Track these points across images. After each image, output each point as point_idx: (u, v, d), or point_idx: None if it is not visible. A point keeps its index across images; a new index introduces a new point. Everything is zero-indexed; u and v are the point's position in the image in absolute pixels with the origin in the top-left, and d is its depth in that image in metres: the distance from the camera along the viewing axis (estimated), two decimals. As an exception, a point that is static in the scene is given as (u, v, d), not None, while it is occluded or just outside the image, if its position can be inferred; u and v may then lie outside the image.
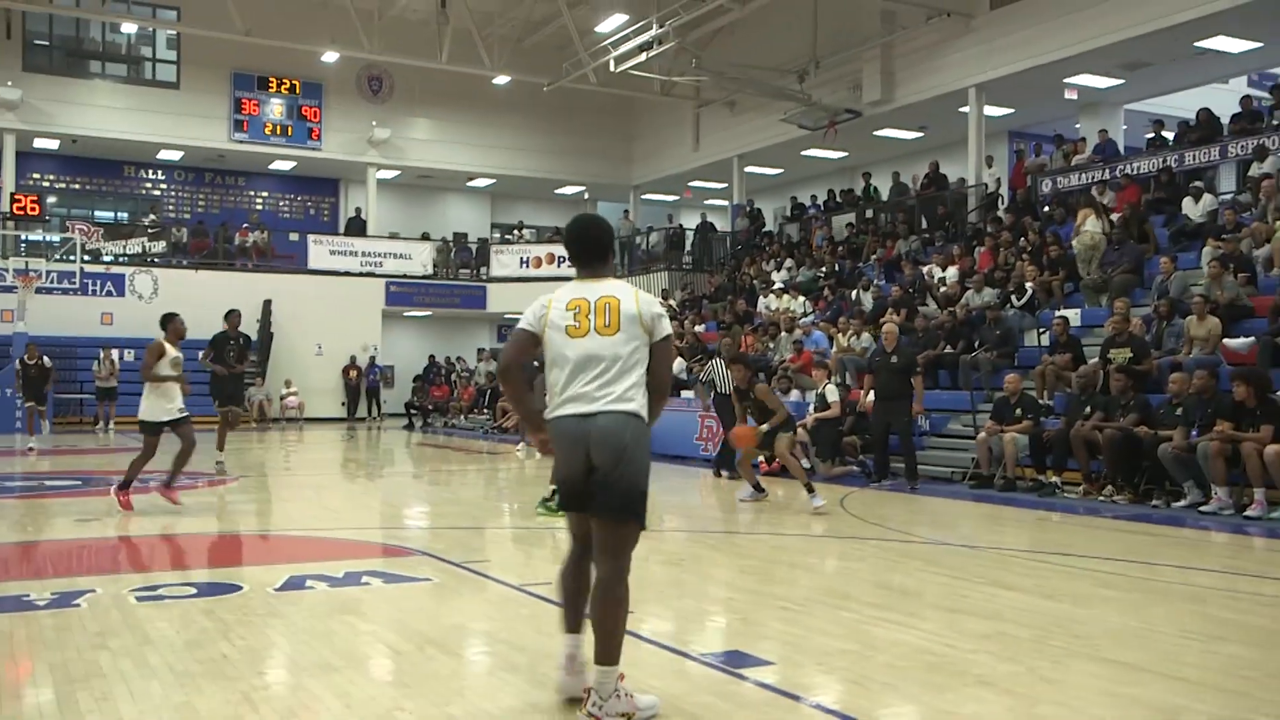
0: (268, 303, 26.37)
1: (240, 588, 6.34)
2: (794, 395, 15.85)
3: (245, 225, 28.84)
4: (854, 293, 19.38)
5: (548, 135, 30.99)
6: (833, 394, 14.55)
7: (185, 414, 10.04)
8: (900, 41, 22.32)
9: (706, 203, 33.46)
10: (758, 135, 26.48)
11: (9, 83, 25.67)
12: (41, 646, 4.97)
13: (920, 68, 22.10)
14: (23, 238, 24.54)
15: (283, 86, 28.74)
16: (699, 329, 21.45)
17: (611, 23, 25.00)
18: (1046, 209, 19.07)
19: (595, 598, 3.97)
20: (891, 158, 25.89)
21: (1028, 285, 15.85)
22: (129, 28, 27.63)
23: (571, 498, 4.11)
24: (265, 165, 30.45)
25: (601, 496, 3.95)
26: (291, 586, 6.41)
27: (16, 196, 24.95)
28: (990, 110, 21.89)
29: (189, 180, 30.71)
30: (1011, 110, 23.03)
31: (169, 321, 10.23)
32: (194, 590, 6.25)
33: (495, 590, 6.52)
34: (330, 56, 26.99)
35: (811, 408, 14.83)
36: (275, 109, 28.79)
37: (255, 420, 25.37)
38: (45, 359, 20.58)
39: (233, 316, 14.09)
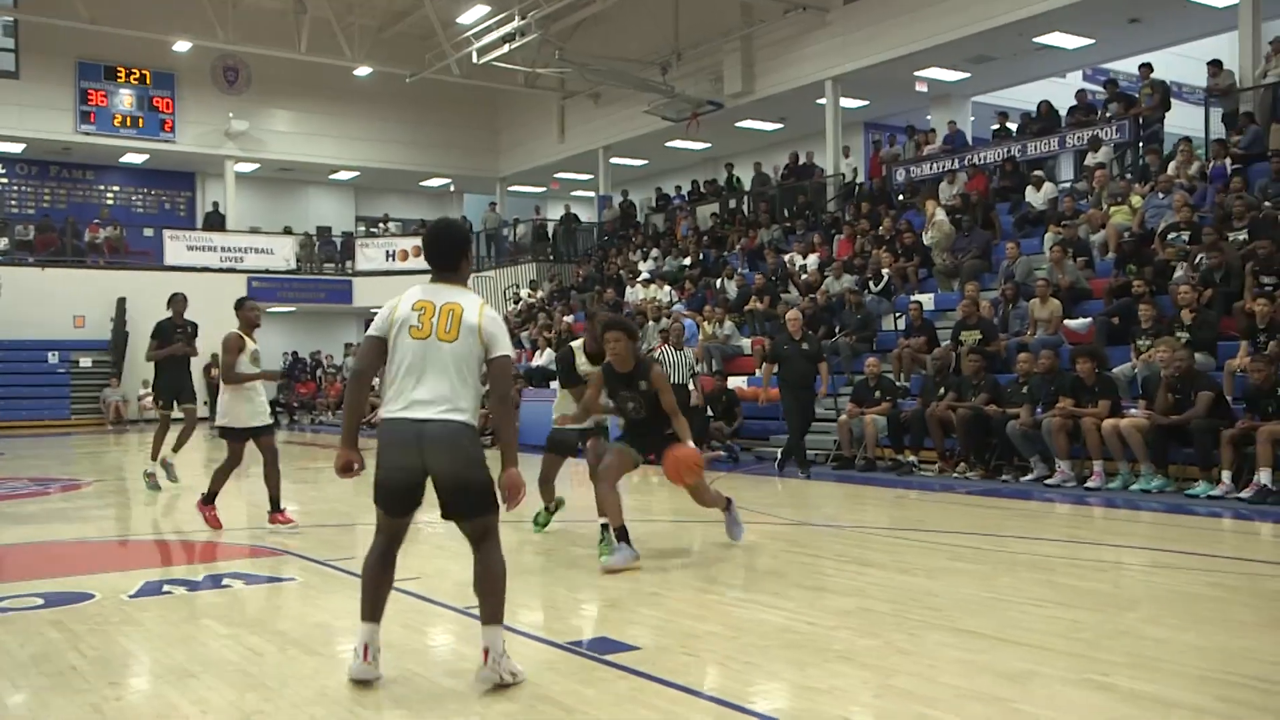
0: (122, 301, 25.31)
1: (92, 595, 6.06)
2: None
3: (96, 221, 27.61)
4: (719, 281, 19.60)
5: (412, 127, 30.51)
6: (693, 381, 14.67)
7: (270, 422, 9.06)
8: (759, 34, 22.63)
9: (574, 194, 33.42)
10: (622, 127, 26.54)
11: None
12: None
13: (779, 60, 22.45)
14: None
15: (132, 77, 27.59)
16: (568, 319, 21.41)
17: (473, 14, 24.71)
18: (900, 197, 19.62)
19: (480, 573, 4.25)
20: (753, 149, 26.27)
21: (884, 272, 16.28)
22: (-38, 14, 26.17)
23: (396, 499, 4.28)
24: (116, 158, 29.22)
25: (457, 501, 4.20)
26: (147, 592, 6.17)
27: None
28: (846, 102, 22.39)
29: (32, 174, 29.28)
30: (866, 102, 23.60)
31: (240, 309, 8.91)
32: (40, 601, 5.95)
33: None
34: (182, 46, 25.99)
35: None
36: (125, 100, 27.62)
37: (111, 422, 24.38)
38: None
39: (177, 301, 12.46)
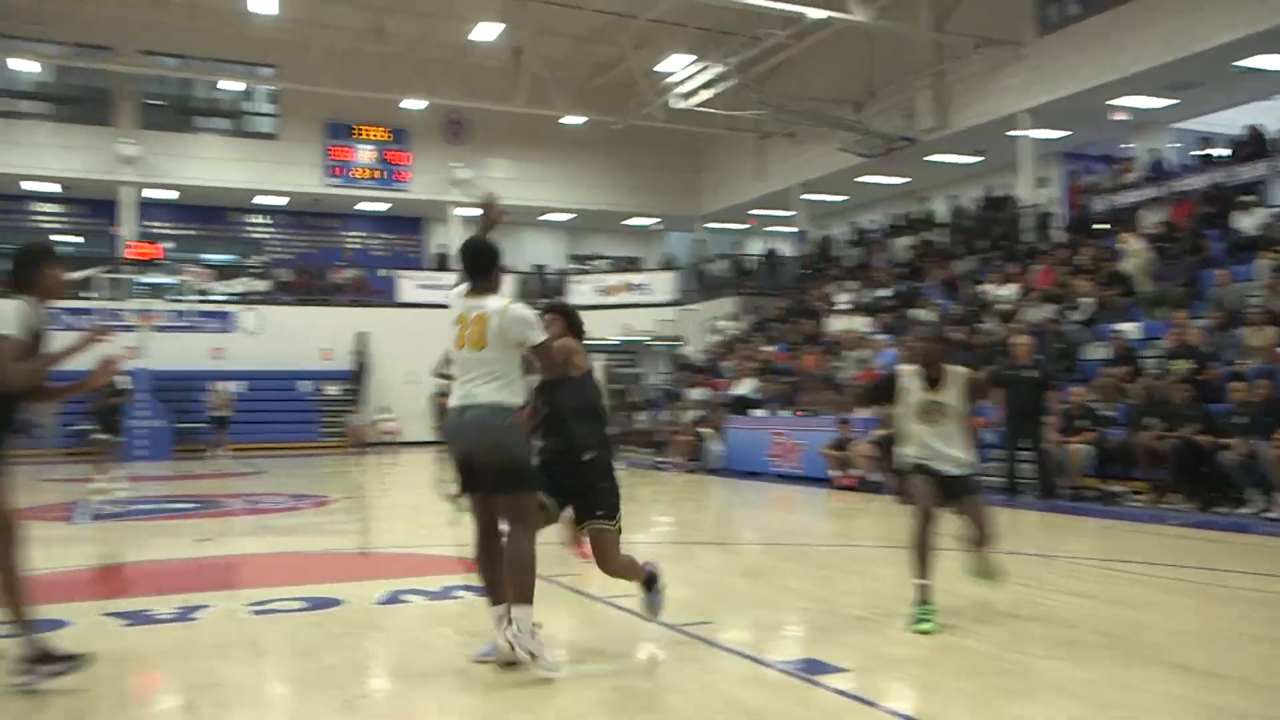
0: (362, 335, 26.84)
1: (343, 602, 6.41)
2: (861, 412, 15.66)
3: (340, 263, 29.40)
4: (915, 312, 19.14)
5: (618, 170, 31.18)
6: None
7: None
8: (952, 70, 22.07)
9: (772, 229, 33.36)
10: (818, 164, 26.34)
11: (130, 140, 26.54)
12: (165, 657, 5.08)
13: (972, 94, 21.83)
14: (137, 281, 25.29)
15: (371, 134, 29.32)
16: (769, 348, 21.37)
17: (674, 63, 25.13)
18: (1101, 226, 18.69)
19: (507, 556, 4.62)
20: (948, 181, 25.59)
21: (1085, 300, 15.53)
22: (232, 85, 28.40)
23: (463, 477, 4.75)
24: (356, 207, 31.04)
25: (487, 476, 4.61)
26: (391, 601, 6.48)
27: (135, 244, 25.81)
28: (1042, 133, 21.53)
29: (288, 223, 31.41)
30: (1064, 133, 22.63)
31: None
32: (302, 604, 6.34)
33: (583, 603, 6.53)
34: (414, 104, 27.50)
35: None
36: (365, 155, 29.37)
37: (353, 445, 25.77)
38: (119, 382, 16.00)
39: None
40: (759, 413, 18.23)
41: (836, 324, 20.73)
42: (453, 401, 4.75)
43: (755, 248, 31.28)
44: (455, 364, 4.79)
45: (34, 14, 24.07)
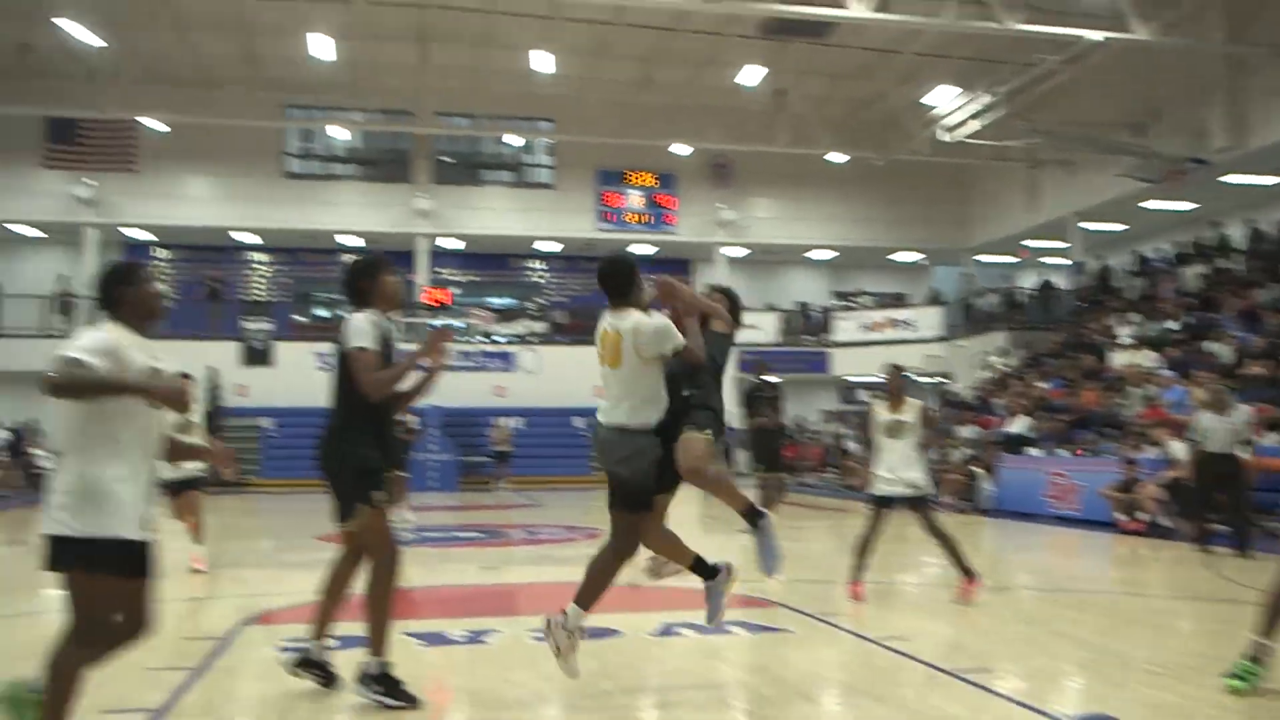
0: (632, 373, 27.63)
1: (619, 632, 6.63)
2: (1148, 451, 14.65)
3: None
4: (1209, 345, 17.69)
5: (882, 205, 30.71)
6: (1179, 451, 13.29)
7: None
8: (1251, 84, 20.33)
9: (1047, 262, 31.82)
10: (1096, 192, 24.90)
11: (423, 195, 28.77)
12: (458, 676, 5.44)
13: (1276, 109, 20.01)
14: (431, 324, 27.23)
15: (641, 179, 30.34)
16: (1044, 385, 20.35)
17: (941, 95, 24.56)
18: None
19: (599, 557, 5.00)
20: (1245, 204, 23.51)
21: None
22: (514, 140, 30.20)
23: (609, 491, 5.00)
24: (627, 250, 32.13)
25: (612, 491, 4.91)
26: (665, 633, 6.63)
27: (428, 290, 27.88)
28: (1359, 147, 19.45)
29: (564, 267, 32.91)
30: (1384, 145, 20.35)
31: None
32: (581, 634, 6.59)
33: (850, 642, 6.45)
34: (681, 149, 28.26)
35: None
36: (635, 199, 30.41)
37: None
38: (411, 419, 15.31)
39: (759, 366, 12.22)
40: (1034, 451, 17.39)
41: (1120, 359, 19.48)
42: (597, 415, 4.95)
43: (1027, 280, 29.89)
44: (602, 380, 4.98)
45: (345, 86, 26.62)
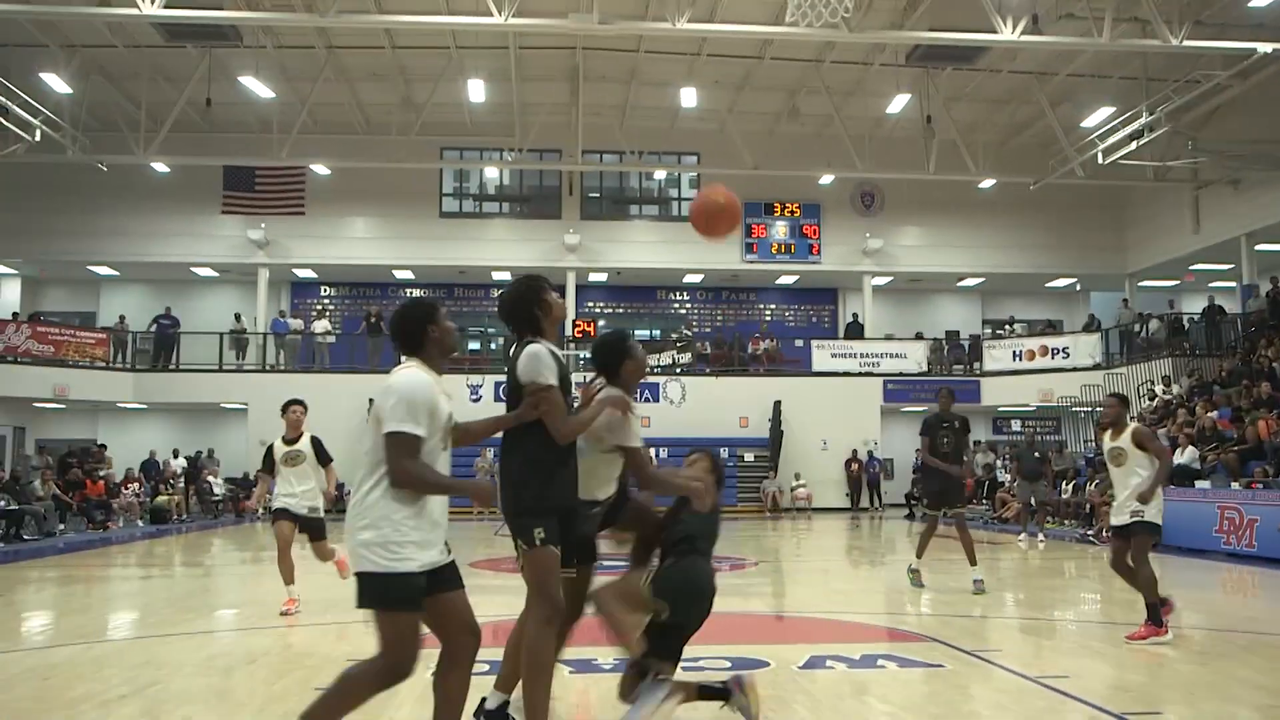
0: (778, 404, 27.46)
1: (768, 664, 6.56)
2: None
3: (756, 335, 30.40)
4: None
5: (1035, 231, 29.77)
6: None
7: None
8: None
9: (1212, 285, 30.22)
10: (1268, 211, 23.55)
11: (571, 230, 29.36)
12: (603, 705, 5.47)
13: None
14: (581, 356, 27.65)
15: (786, 210, 30.21)
16: (1213, 415, 19.25)
17: (1098, 116, 23.73)
18: None
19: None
20: None
21: None
22: (660, 175, 30.55)
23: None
24: (772, 281, 31.99)
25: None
26: (813, 665, 6.54)
27: (577, 322, 28.38)
28: None
29: (708, 299, 33.01)
30: None
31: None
32: (728, 664, 6.56)
33: (1007, 680, 6.21)
34: (827, 179, 28.06)
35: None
36: (780, 230, 30.30)
37: (769, 510, 26.29)
38: None
39: (943, 397, 11.03)
40: (1203, 484, 16.46)
41: (1297, 387, 18.29)
42: None
43: (1193, 305, 28.42)
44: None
45: (497, 127, 27.49)
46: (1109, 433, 8.00)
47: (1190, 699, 5.73)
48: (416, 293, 32.27)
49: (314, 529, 9.09)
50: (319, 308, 30.28)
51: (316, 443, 9.25)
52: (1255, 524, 14.17)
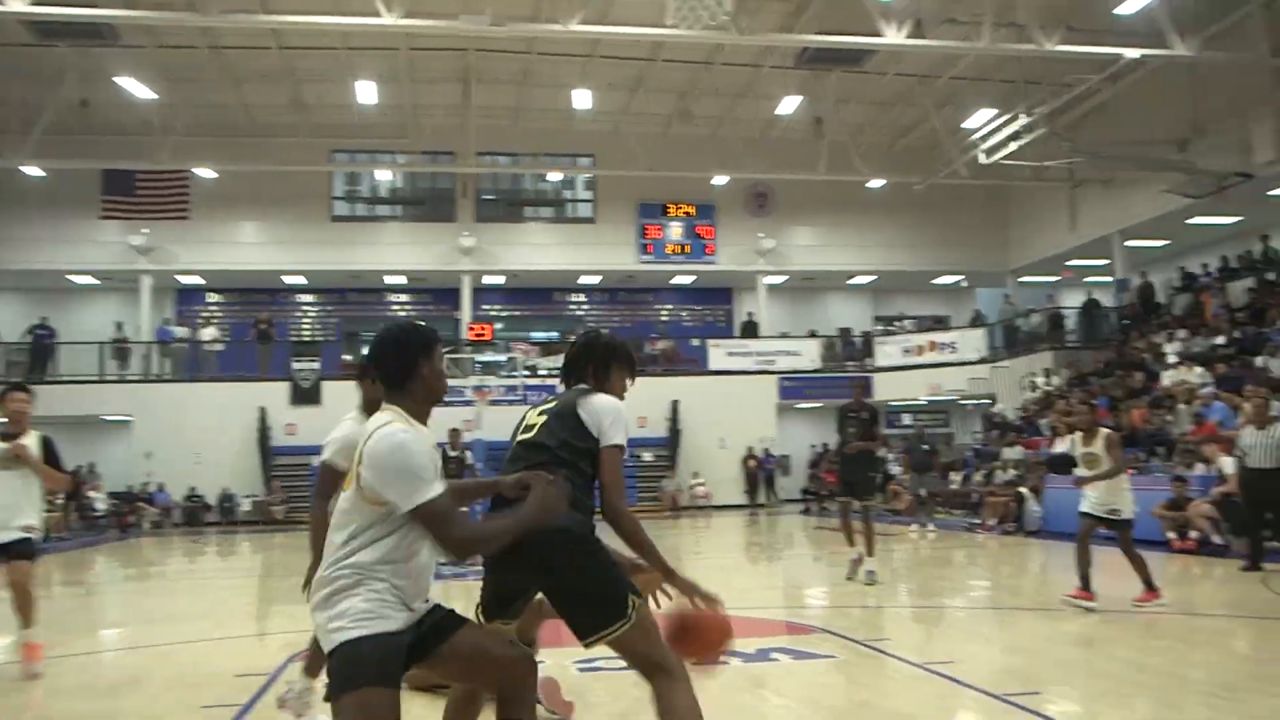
0: (675, 403, 27.64)
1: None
2: (1199, 469, 14.36)
3: (654, 335, 30.54)
4: (1259, 359, 17.34)
5: (923, 229, 30.54)
6: (1229, 467, 13.03)
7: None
8: (1292, 97, 20.05)
9: (1088, 280, 31.43)
10: (1138, 209, 24.60)
11: (466, 233, 29.06)
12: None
13: (1319, 121, 19.69)
14: (477, 360, 27.39)
15: (680, 211, 30.41)
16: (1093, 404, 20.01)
17: (979, 118, 24.46)
18: None
19: None
20: (1292, 217, 23.11)
21: None
22: (555, 176, 30.46)
23: None
24: (667, 281, 32.17)
25: None
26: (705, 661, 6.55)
27: (472, 326, 28.10)
28: (1406, 156, 19.04)
29: (605, 300, 33.04)
30: None
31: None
32: (624, 665, 6.54)
33: (898, 668, 6.34)
34: (720, 180, 28.34)
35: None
36: (675, 231, 30.48)
37: (668, 509, 26.42)
38: (468, 453, 14.54)
39: (855, 390, 11.33)
40: (1081, 471, 17.07)
41: (1167, 376, 19.14)
42: None
43: (1072, 299, 29.52)
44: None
45: (388, 129, 27.03)
46: (1081, 437, 8.71)
47: (1071, 679, 5.93)
48: (308, 299, 31.59)
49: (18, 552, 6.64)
50: (205, 315, 29.40)
51: (48, 444, 6.81)
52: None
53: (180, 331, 28.15)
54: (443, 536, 3.13)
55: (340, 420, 5.02)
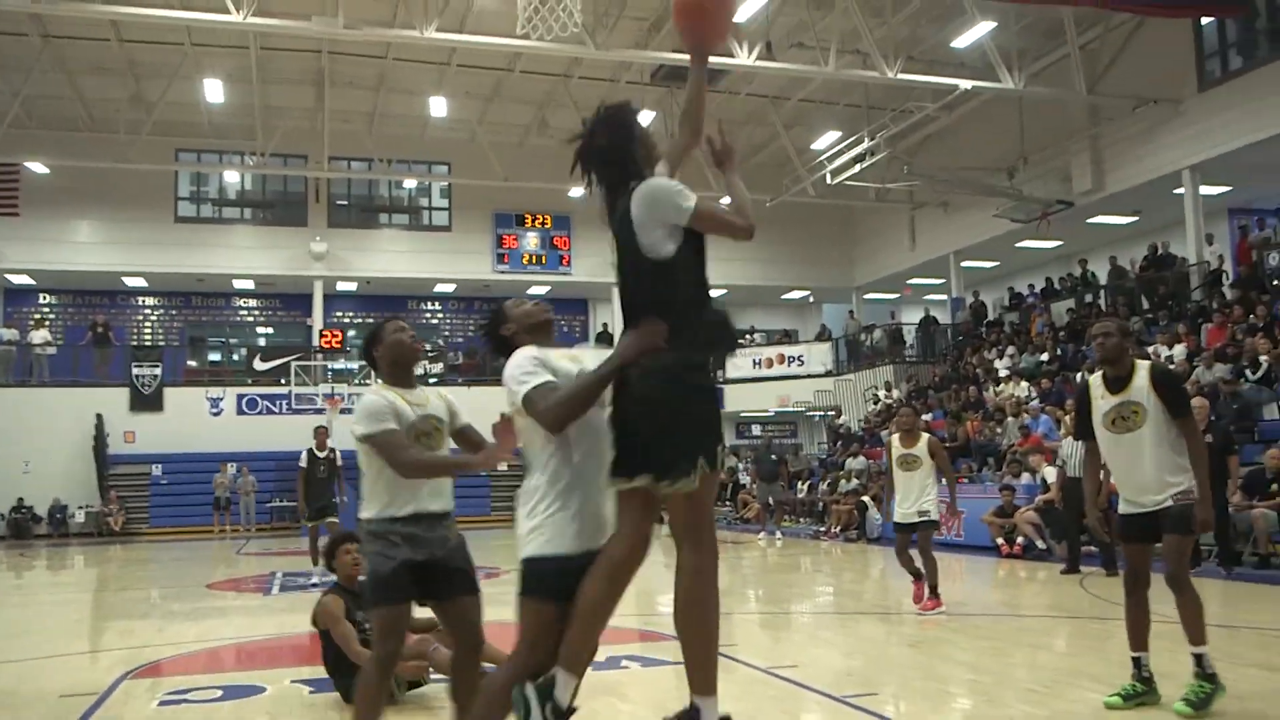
0: (531, 412, 27.49)
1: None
2: (1024, 478, 15.13)
3: (509, 345, 30.29)
4: (1078, 375, 18.39)
5: (773, 245, 31.17)
6: (1052, 475, 13.79)
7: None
8: (1108, 132, 21.40)
9: (927, 298, 32.77)
10: (972, 231, 25.82)
11: (318, 238, 28.26)
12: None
13: (1130, 154, 21.08)
14: (329, 367, 26.66)
15: (537, 221, 30.32)
16: (926, 417, 20.85)
17: (825, 140, 25.27)
18: (1277, 283, 17.63)
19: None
20: (1108, 242, 24.61)
21: (1262, 359, 14.62)
22: (410, 184, 29.95)
23: None
24: (523, 291, 31.95)
25: None
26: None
27: (324, 333, 27.33)
28: (1206, 190, 20.54)
29: (461, 309, 32.65)
30: (1229, 188, 21.55)
31: None
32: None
33: (743, 673, 6.45)
34: (576, 192, 28.34)
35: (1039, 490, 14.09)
36: (531, 241, 30.38)
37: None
38: (336, 452, 13.64)
39: None
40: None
41: (995, 390, 20.11)
42: None
43: (912, 316, 30.74)
44: None
45: (238, 130, 26.07)
46: (900, 438, 9.16)
47: (906, 680, 6.14)
48: (150, 301, 30.15)
49: None
50: (37, 316, 27.69)
51: None
52: (963, 516, 15.40)
53: (8, 333, 26.46)
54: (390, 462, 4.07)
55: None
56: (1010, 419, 17.86)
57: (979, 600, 10.40)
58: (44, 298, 29.20)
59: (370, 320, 31.63)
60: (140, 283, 28.89)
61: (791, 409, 28.63)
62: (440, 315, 32.49)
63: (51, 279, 28.13)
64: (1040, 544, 13.50)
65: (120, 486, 24.56)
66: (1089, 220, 23.68)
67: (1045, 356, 20.76)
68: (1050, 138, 22.48)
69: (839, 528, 18.67)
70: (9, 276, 27.62)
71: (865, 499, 18.28)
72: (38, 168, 25.22)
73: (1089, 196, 21.99)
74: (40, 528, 24.08)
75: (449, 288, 31.07)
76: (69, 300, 29.44)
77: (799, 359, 29.44)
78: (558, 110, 26.15)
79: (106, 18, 19.28)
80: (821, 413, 28.36)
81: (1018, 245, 26.04)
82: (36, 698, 6.04)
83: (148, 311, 30.27)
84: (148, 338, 29.61)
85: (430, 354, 29.41)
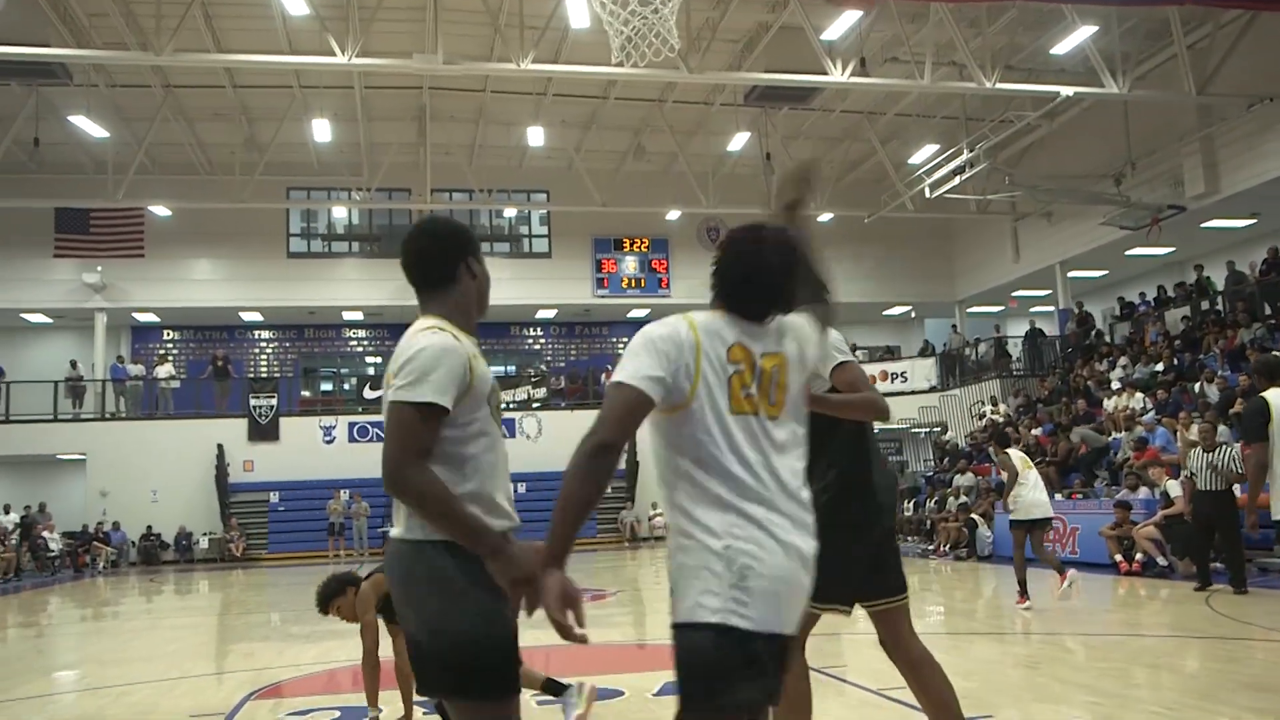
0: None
1: (622, 693, 6.54)
2: (1142, 492, 14.60)
3: (609, 368, 30.54)
4: (1196, 385, 17.70)
5: (872, 262, 30.87)
6: (1175, 489, 13.26)
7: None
8: (1221, 132, 20.63)
9: (1034, 310, 31.96)
10: (1078, 240, 25.12)
11: (422, 268, 28.91)
12: None
13: (1246, 154, 20.26)
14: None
15: (635, 245, 30.56)
16: (1035, 432, 20.31)
17: (923, 153, 24.92)
18: None
19: None
20: (1224, 247, 23.68)
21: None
22: (510, 212, 30.49)
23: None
24: (623, 314, 32.23)
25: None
26: (666, 692, 6.54)
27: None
28: (1330, 187, 19.62)
29: (561, 334, 33.04)
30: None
31: None
32: (586, 693, 6.49)
33: (854, 694, 6.36)
34: (673, 215, 28.53)
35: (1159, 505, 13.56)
36: (630, 265, 30.62)
37: (627, 540, 26.34)
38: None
39: None
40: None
41: (1109, 402, 19.47)
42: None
43: (1017, 329, 30.01)
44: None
45: (344, 167, 26.95)
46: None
47: (1021, 701, 5.98)
48: (265, 335, 31.26)
49: None
50: (161, 352, 28.98)
51: None
52: (1078, 532, 14.95)
53: (135, 369, 27.73)
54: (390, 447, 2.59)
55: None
56: (1125, 433, 17.27)
57: (1098, 619, 10.06)
58: (168, 334, 30.54)
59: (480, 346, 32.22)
60: (256, 317, 30.00)
61: (896, 426, 28.16)
62: (542, 340, 32.93)
63: (174, 316, 29.44)
64: (1161, 560, 12.99)
65: (240, 514, 25.45)
66: (1203, 225, 22.81)
67: (1160, 367, 20.04)
68: (1159, 141, 21.78)
69: (948, 545, 18.27)
70: (136, 315, 28.98)
71: (975, 516, 17.87)
72: (161, 211, 26.47)
73: (1202, 200, 21.20)
74: (168, 554, 25.13)
75: (550, 313, 31.47)
76: (190, 335, 30.72)
77: (902, 375, 28.98)
78: (653, 135, 26.36)
79: (222, 65, 20.21)
80: (927, 429, 27.83)
81: (1127, 253, 25.23)
82: (170, 718, 6.30)
83: (263, 344, 31.40)
84: (264, 370, 30.71)
85: (534, 379, 29.82)
